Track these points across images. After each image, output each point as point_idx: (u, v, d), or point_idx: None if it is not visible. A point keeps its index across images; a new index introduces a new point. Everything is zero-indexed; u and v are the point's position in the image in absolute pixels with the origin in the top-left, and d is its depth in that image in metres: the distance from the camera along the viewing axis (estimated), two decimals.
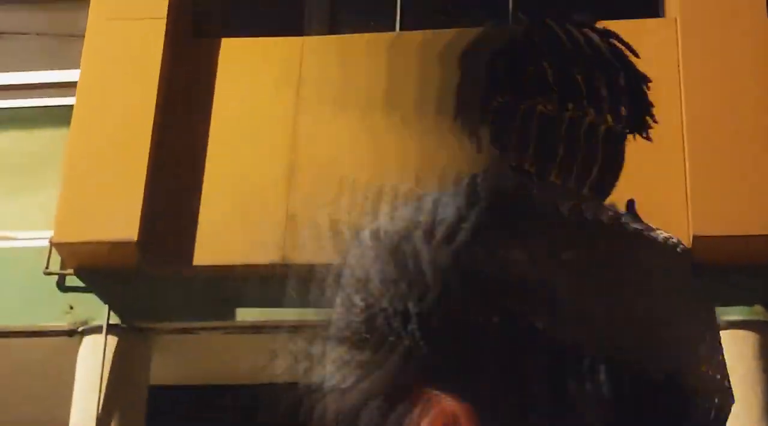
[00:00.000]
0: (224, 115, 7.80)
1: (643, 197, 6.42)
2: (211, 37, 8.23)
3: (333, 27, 8.72)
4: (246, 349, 7.41)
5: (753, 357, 6.79)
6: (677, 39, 7.54)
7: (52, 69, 8.56)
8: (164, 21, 7.95)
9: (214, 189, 7.54)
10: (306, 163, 7.39)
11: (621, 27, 7.01)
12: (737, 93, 7.24)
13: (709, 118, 7.23)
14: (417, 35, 8.01)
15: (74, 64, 8.09)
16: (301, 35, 8.26)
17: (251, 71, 7.86)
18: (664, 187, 7.01)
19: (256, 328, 7.20)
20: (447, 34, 6.93)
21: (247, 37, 8.21)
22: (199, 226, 7.45)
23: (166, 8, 8.00)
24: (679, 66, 7.43)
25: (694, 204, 6.96)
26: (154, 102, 7.78)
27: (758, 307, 6.97)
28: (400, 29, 8.33)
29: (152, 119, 7.72)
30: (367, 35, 8.12)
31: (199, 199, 7.51)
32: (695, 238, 6.85)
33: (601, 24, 6.45)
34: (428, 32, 7.97)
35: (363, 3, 8.81)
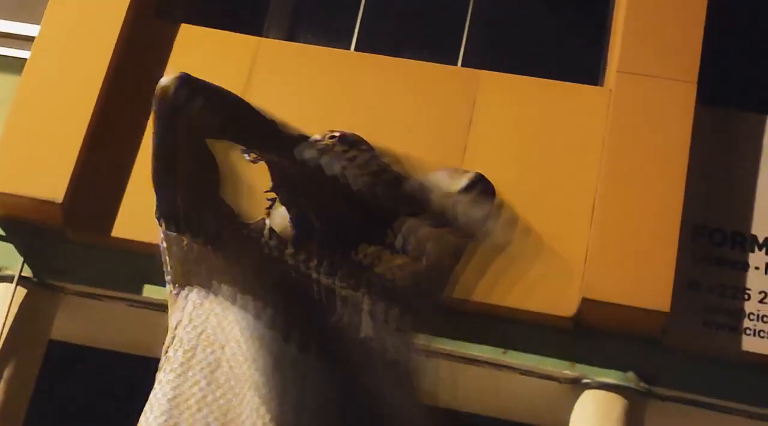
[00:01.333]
0: None
1: (544, 254, 6.76)
2: (172, 20, 8.40)
3: (292, 35, 8.92)
4: (145, 323, 7.65)
5: (617, 420, 7.13)
6: (608, 110, 7.86)
7: (15, 20, 8.68)
8: None
9: (145, 168, 7.69)
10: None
11: (559, 88, 7.45)
12: (652, 173, 7.55)
13: (622, 191, 7.55)
14: (370, 58, 8.29)
15: (38, 20, 8.25)
16: (259, 36, 8.47)
17: (204, 61, 7.97)
18: (566, 247, 7.31)
19: (159, 307, 7.40)
20: (399, 63, 7.21)
21: (207, 27, 8.39)
22: (124, 201, 7.62)
23: None
24: (604, 136, 7.75)
25: (589, 268, 7.29)
26: (104, 73, 7.95)
27: (631, 375, 7.30)
28: (356, 49, 8.58)
29: (99, 89, 7.89)
30: (322, 49, 8.38)
31: (130, 174, 7.68)
32: (583, 300, 7.21)
33: (543, 83, 6.74)
34: (381, 57, 8.28)
35: (325, 18, 9.01)
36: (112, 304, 7.71)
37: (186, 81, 2.60)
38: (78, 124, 7.78)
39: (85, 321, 8.15)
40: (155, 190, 2.71)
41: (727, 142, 8.05)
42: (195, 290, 2.65)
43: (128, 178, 7.70)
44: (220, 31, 8.35)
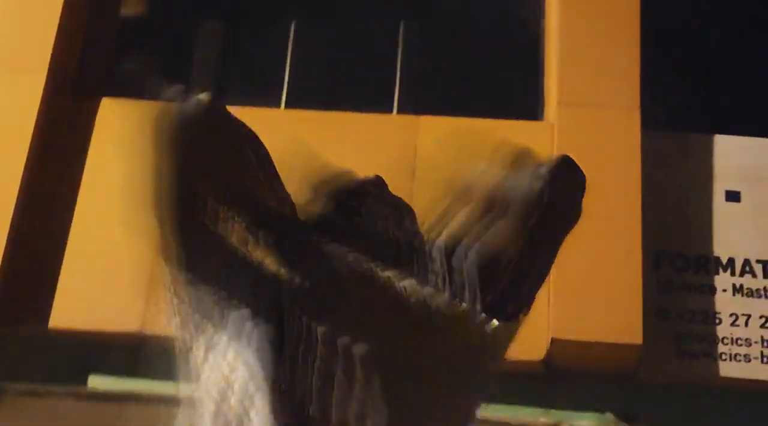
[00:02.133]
0: (95, 175, 7.71)
1: None
2: (92, 94, 8.15)
3: (219, 98, 8.70)
4: (95, 416, 7.32)
5: None
6: (552, 144, 7.69)
7: None
8: (44, 75, 7.87)
9: (78, 252, 7.44)
10: None
11: (500, 126, 7.19)
12: (607, 204, 7.41)
13: (579, 225, 7.35)
14: (303, 114, 8.09)
15: None
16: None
17: (127, 133, 7.77)
18: None
19: (107, 397, 7.11)
20: (333, 116, 6.94)
21: (128, 98, 8.15)
22: (59, 288, 7.34)
23: (48, 63, 7.92)
24: None
25: (555, 309, 7.09)
26: (25, 157, 7.67)
27: (609, 415, 7.11)
28: (286, 107, 8.35)
29: (21, 175, 7.62)
30: (252, 109, 8.13)
31: (62, 260, 7.40)
32: (553, 340, 6.98)
33: (483, 123, 6.52)
34: (314, 112, 8.08)
35: (251, 77, 8.83)
36: (57, 401, 7.35)
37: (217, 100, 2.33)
38: (2, 216, 7.46)
39: (30, 421, 7.79)
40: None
41: (677, 165, 7.95)
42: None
43: (61, 265, 7.41)
44: (141, 101, 8.06)
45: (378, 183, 2.50)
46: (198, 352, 2.31)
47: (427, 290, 2.29)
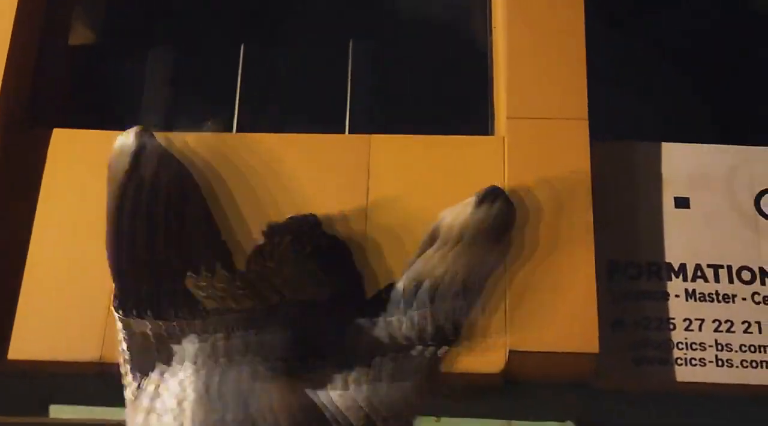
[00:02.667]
0: (50, 206, 7.71)
1: None
2: (43, 126, 8.14)
3: (170, 125, 8.73)
4: None
5: None
6: (504, 157, 7.77)
7: None
8: None
9: (34, 283, 7.43)
10: None
11: (451, 142, 7.28)
12: (556, 216, 7.48)
13: (530, 237, 7.44)
14: (255, 137, 8.12)
15: None
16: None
17: (80, 163, 7.77)
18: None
19: None
20: (285, 139, 6.96)
21: (80, 129, 8.16)
22: (16, 319, 7.31)
23: None
24: (503, 184, 7.65)
25: (511, 321, 7.14)
26: None
27: (570, 424, 7.18)
28: (237, 131, 8.38)
29: None
30: (203, 135, 8.18)
31: (18, 292, 7.38)
32: (511, 352, 7.05)
33: (434, 140, 6.62)
34: (265, 135, 8.12)
35: (202, 103, 8.86)
36: None
37: (146, 135, 2.44)
38: None
39: None
40: (115, 272, 2.49)
41: (626, 174, 8.04)
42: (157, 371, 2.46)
43: (18, 295, 7.39)
44: (94, 131, 8.10)
45: (314, 222, 2.65)
46: (149, 386, 2.39)
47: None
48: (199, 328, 2.50)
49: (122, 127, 8.01)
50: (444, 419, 7.17)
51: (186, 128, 8.47)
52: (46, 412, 7.23)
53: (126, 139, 2.46)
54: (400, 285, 2.57)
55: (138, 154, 2.42)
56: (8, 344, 7.26)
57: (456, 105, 8.66)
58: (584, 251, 7.35)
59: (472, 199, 2.54)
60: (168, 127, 8.69)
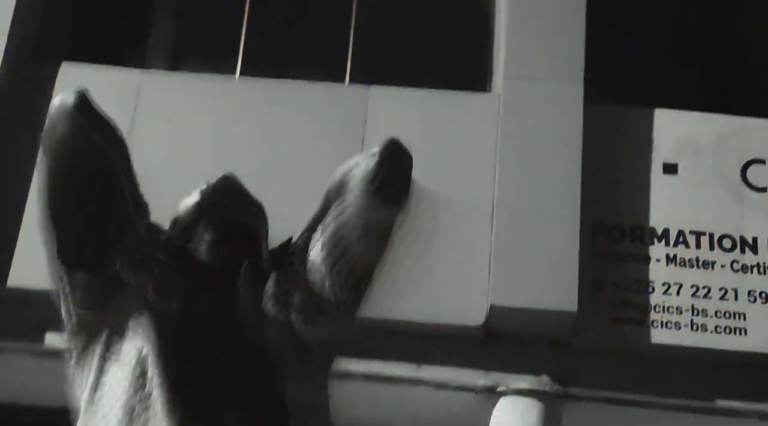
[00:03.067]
0: None
1: (448, 265, 6.79)
2: (51, 60, 8.24)
3: (175, 65, 8.82)
4: (51, 372, 7.47)
5: (535, 425, 7.16)
6: (498, 115, 7.90)
7: None
8: (4, 40, 7.96)
9: (37, 211, 7.52)
10: None
11: (448, 97, 7.43)
12: (548, 175, 7.62)
13: (518, 194, 7.60)
14: (257, 82, 8.24)
15: None
16: (142, 68, 8.36)
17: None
18: (469, 256, 7.35)
19: (64, 355, 7.25)
20: (286, 85, 7.12)
21: (88, 63, 8.24)
22: (17, 248, 7.45)
23: (8, 28, 8.01)
24: (497, 141, 7.79)
25: (494, 276, 7.32)
26: None
27: (545, 378, 7.33)
28: (241, 75, 8.49)
29: None
30: (206, 76, 8.29)
31: (21, 219, 7.51)
32: (492, 307, 7.24)
33: (432, 94, 6.74)
34: (267, 80, 8.23)
35: (206, 44, 8.92)
36: (13, 356, 7.49)
37: (85, 97, 2.61)
38: None
39: None
40: (51, 230, 2.63)
41: (617, 138, 8.15)
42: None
43: (20, 224, 7.51)
44: (101, 65, 8.20)
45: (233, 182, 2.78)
46: (95, 358, 2.57)
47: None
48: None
49: (128, 63, 8.21)
50: (424, 367, 7.34)
51: (190, 69, 8.57)
52: (41, 339, 7.38)
53: (66, 98, 2.61)
54: (300, 240, 2.72)
55: (76, 116, 2.57)
56: (8, 271, 7.40)
57: (456, 61, 8.75)
58: (569, 212, 7.51)
59: (369, 152, 2.66)
60: (173, 66, 8.82)
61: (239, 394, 2.49)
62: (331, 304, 2.63)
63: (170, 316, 2.61)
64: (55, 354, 7.14)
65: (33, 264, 7.20)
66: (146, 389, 2.50)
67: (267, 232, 2.79)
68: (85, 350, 2.66)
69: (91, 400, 2.55)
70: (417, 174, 8.18)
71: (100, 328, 2.61)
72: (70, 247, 2.59)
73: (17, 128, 7.84)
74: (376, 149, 2.70)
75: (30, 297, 7.25)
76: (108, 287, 2.62)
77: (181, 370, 2.52)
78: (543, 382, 7.31)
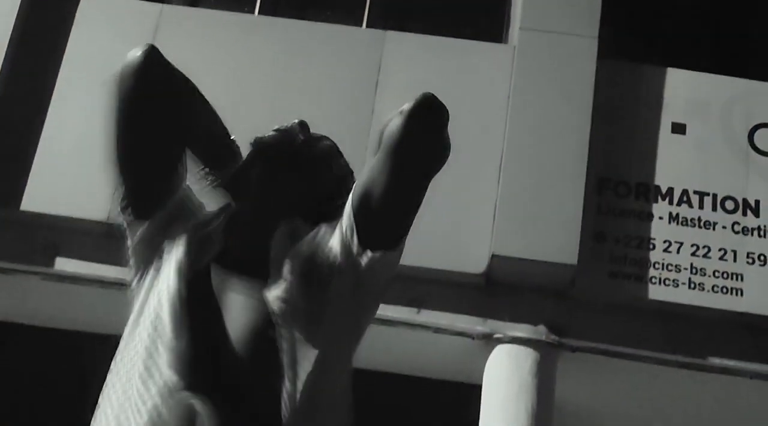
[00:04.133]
0: (74, 66, 7.89)
1: (453, 212, 6.90)
2: None
3: (194, 0, 8.86)
4: (61, 296, 7.63)
5: (529, 373, 7.28)
6: (512, 67, 7.96)
7: None
8: None
9: (53, 138, 7.64)
10: None
11: (463, 46, 7.45)
12: (557, 129, 7.68)
13: (528, 147, 7.67)
14: (274, 21, 8.29)
15: None
16: (162, 2, 8.40)
17: (107, 31, 7.91)
18: (474, 204, 7.44)
19: (74, 280, 7.40)
20: (303, 26, 7.18)
21: None
22: (32, 173, 7.56)
23: None
24: (509, 93, 7.85)
25: (497, 226, 7.41)
26: (8, 36, 7.88)
27: (541, 328, 7.45)
28: (260, 13, 8.55)
29: (3, 53, 7.82)
30: (225, 13, 8.34)
31: (37, 146, 7.62)
32: (493, 256, 7.36)
33: (447, 42, 6.74)
34: (285, 20, 8.29)
35: None
36: (24, 278, 7.63)
37: (155, 50, 2.69)
38: None
39: None
40: (117, 173, 2.71)
41: (628, 95, 8.18)
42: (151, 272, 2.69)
43: (36, 148, 7.64)
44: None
45: (304, 125, 2.85)
46: (146, 279, 2.68)
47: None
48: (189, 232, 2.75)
49: None
50: (424, 312, 7.45)
51: (210, 6, 8.62)
52: (52, 263, 7.52)
53: (135, 53, 2.69)
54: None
55: (145, 69, 2.66)
56: (22, 195, 7.52)
57: (473, 11, 8.78)
58: (576, 166, 7.58)
59: (402, 108, 2.53)
60: (193, 1, 8.86)
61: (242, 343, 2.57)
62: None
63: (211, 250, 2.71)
64: (65, 278, 7.37)
65: (47, 189, 7.44)
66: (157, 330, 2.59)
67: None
68: (141, 275, 2.73)
69: (134, 325, 2.65)
70: None
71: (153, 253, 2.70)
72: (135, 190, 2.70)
73: (38, 56, 7.93)
74: (407, 106, 2.54)
75: (42, 221, 7.42)
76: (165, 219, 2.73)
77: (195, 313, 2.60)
78: (539, 331, 7.43)
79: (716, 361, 7.54)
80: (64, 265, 7.45)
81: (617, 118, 8.05)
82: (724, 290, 7.57)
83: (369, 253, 2.57)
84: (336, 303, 2.61)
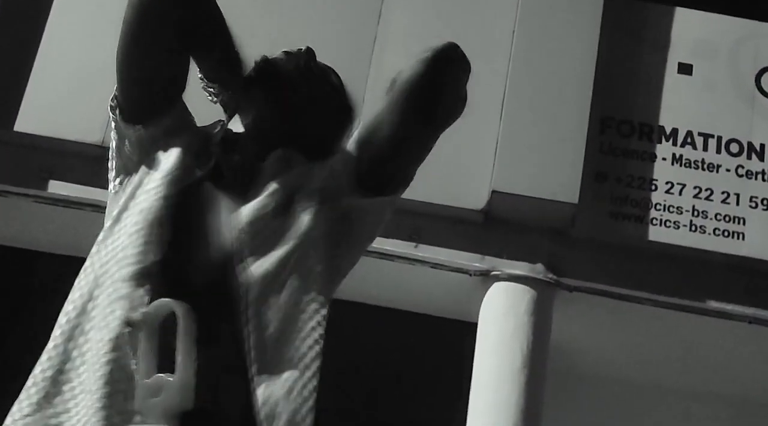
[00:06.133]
0: None
1: (454, 148, 6.80)
2: None
3: None
4: (54, 219, 7.56)
5: (525, 312, 7.24)
6: (518, 3, 7.83)
7: None
8: None
9: (48, 59, 7.53)
10: None
11: None
12: (562, 66, 7.59)
13: (531, 84, 7.58)
14: None
15: None
16: None
17: None
18: (476, 140, 7.35)
19: (67, 203, 7.32)
20: None
21: None
22: (26, 93, 7.43)
23: None
24: (513, 29, 7.74)
25: (498, 163, 7.33)
26: None
27: (539, 266, 7.40)
28: None
29: None
30: None
31: (32, 67, 7.49)
32: (493, 192, 7.28)
33: None
34: None
35: None
36: (16, 200, 7.54)
37: None
38: None
39: None
40: (120, 76, 2.60)
41: (635, 34, 8.08)
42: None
43: (31, 69, 7.51)
44: None
45: (310, 52, 2.76)
46: (129, 186, 2.58)
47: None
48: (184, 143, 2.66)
49: None
50: (422, 246, 7.40)
51: None
52: (45, 186, 7.42)
53: None
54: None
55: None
56: (16, 116, 7.40)
57: None
58: (580, 105, 7.50)
59: (421, 54, 2.46)
60: None
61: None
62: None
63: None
64: (58, 201, 7.28)
65: (41, 110, 7.33)
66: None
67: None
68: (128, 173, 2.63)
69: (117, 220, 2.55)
70: None
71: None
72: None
73: None
74: (428, 53, 2.50)
75: (36, 143, 7.31)
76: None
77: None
78: (537, 269, 7.38)
79: (715, 304, 7.51)
80: (57, 188, 7.36)
81: (623, 57, 7.96)
82: (726, 234, 7.54)
83: (365, 194, 2.56)
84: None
